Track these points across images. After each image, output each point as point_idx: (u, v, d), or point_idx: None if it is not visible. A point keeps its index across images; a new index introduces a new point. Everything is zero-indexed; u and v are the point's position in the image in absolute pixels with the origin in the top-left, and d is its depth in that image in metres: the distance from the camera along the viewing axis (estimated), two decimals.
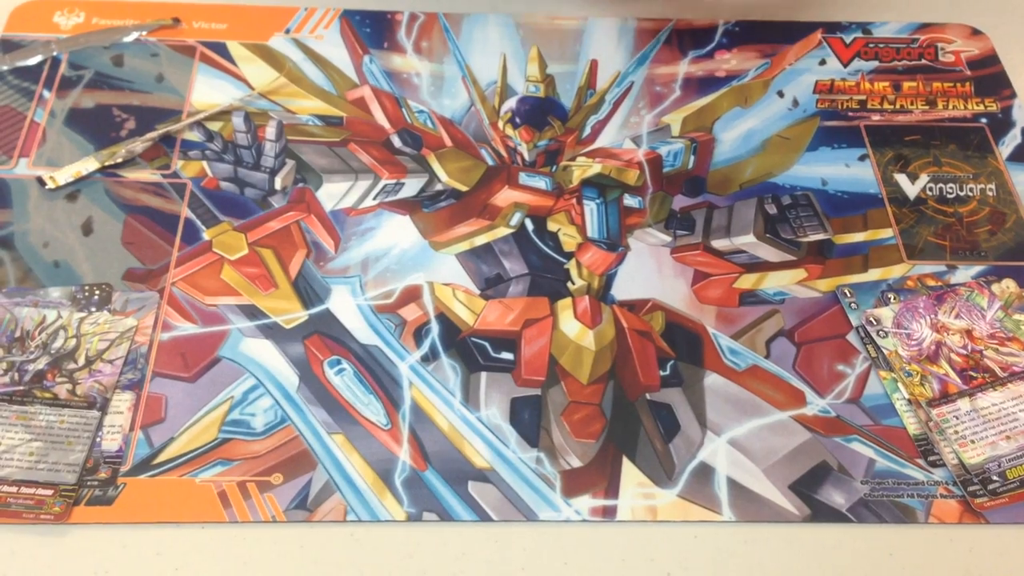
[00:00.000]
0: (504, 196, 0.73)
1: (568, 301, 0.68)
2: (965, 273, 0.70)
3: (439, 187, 0.73)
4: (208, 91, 0.78)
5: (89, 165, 0.72)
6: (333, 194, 0.72)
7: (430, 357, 0.65)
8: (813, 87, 0.81)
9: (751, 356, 0.66)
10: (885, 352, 0.65)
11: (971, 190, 0.75)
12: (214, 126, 0.75)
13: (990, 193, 0.75)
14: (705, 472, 0.60)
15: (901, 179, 0.76)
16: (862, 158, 0.77)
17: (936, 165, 0.77)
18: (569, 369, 0.64)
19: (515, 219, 0.72)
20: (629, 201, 0.73)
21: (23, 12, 0.82)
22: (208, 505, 0.58)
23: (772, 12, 0.87)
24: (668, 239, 0.72)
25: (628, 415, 0.63)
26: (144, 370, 0.63)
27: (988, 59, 0.84)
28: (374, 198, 0.73)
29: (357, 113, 0.78)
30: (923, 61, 0.84)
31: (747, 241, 0.71)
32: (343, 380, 0.63)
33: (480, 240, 0.71)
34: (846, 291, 0.69)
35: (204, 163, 0.73)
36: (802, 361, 0.66)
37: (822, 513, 0.59)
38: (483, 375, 0.64)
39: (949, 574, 0.57)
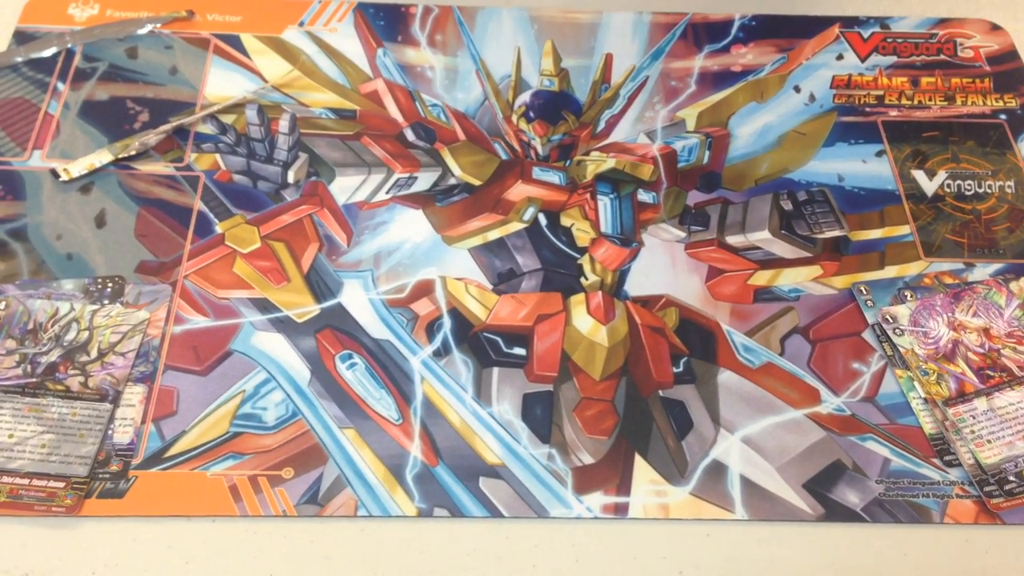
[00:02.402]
0: (517, 191, 0.73)
1: (581, 297, 0.67)
2: (983, 271, 0.69)
3: (452, 181, 0.73)
4: (222, 84, 0.78)
5: (103, 157, 0.72)
6: (346, 188, 0.72)
7: (442, 352, 0.65)
8: (830, 82, 0.81)
9: (765, 353, 0.65)
10: (901, 350, 0.65)
11: (990, 187, 0.74)
12: (227, 119, 0.75)
13: (1009, 190, 0.74)
14: (718, 470, 0.60)
15: (919, 175, 0.75)
16: (879, 154, 0.76)
17: (954, 162, 0.76)
18: (582, 365, 0.64)
19: (528, 214, 0.72)
20: (643, 196, 0.73)
21: (38, 4, 0.82)
22: (219, 499, 0.58)
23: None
24: (682, 235, 0.71)
25: (641, 412, 0.62)
26: (156, 363, 0.63)
27: (1007, 55, 0.83)
28: (387, 192, 0.72)
29: (370, 106, 0.77)
30: (942, 56, 0.83)
31: (762, 237, 0.71)
32: (355, 374, 0.63)
33: (493, 235, 0.71)
34: (862, 288, 0.68)
35: (217, 156, 0.73)
36: (817, 359, 0.65)
37: (836, 512, 0.59)
38: (495, 370, 0.64)
39: (964, 575, 0.57)
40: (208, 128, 0.74)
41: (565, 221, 0.72)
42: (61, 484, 0.57)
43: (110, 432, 0.60)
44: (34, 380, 0.61)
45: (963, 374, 0.63)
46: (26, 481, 0.57)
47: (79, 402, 0.60)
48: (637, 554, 0.57)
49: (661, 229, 0.72)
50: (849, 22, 0.85)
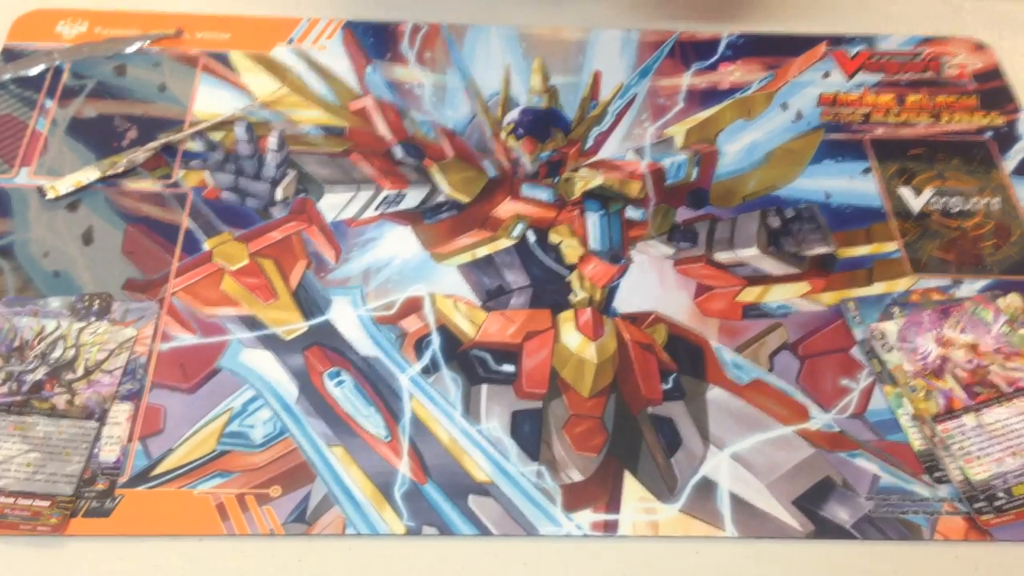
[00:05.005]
0: (506, 207, 0.73)
1: (570, 313, 0.67)
2: (970, 287, 0.70)
3: (441, 198, 0.73)
4: (210, 101, 0.78)
5: (90, 175, 0.72)
6: (334, 205, 0.72)
7: (431, 369, 0.64)
8: (817, 100, 0.81)
9: (754, 370, 0.65)
10: (890, 367, 0.65)
11: (976, 204, 0.75)
12: (216, 136, 0.75)
13: (995, 207, 0.75)
14: (707, 487, 0.60)
15: (905, 193, 0.75)
16: (866, 171, 0.77)
17: (940, 179, 0.76)
18: (570, 382, 0.64)
19: (517, 231, 0.72)
20: (631, 213, 0.73)
21: (26, 21, 0.82)
22: (206, 517, 0.57)
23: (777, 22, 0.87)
24: (671, 251, 0.71)
25: (630, 429, 0.62)
26: (143, 381, 0.62)
27: (992, 73, 0.84)
28: (375, 209, 0.72)
29: (359, 123, 0.77)
30: (927, 74, 0.84)
31: (750, 254, 0.71)
32: (343, 392, 0.63)
33: (482, 252, 0.71)
34: (850, 305, 0.68)
35: (205, 173, 0.73)
36: (806, 375, 0.65)
37: (826, 529, 0.59)
38: (484, 387, 0.64)
39: None
40: (196, 145, 0.74)
41: (554, 238, 0.72)
42: (46, 503, 0.57)
43: (96, 450, 0.59)
44: (20, 398, 0.61)
45: (951, 390, 0.63)
46: (11, 500, 0.57)
47: (65, 420, 0.60)
48: (627, 572, 0.57)
49: (650, 246, 0.72)
50: (835, 40, 0.86)
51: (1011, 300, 0.68)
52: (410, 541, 0.58)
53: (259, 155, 0.73)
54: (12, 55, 0.80)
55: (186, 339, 0.65)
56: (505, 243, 0.71)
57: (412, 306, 0.67)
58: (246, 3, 0.85)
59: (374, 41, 0.83)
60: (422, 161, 0.75)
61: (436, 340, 0.66)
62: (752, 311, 0.68)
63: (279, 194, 0.72)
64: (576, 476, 0.60)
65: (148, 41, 0.81)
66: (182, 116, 0.77)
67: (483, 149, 0.77)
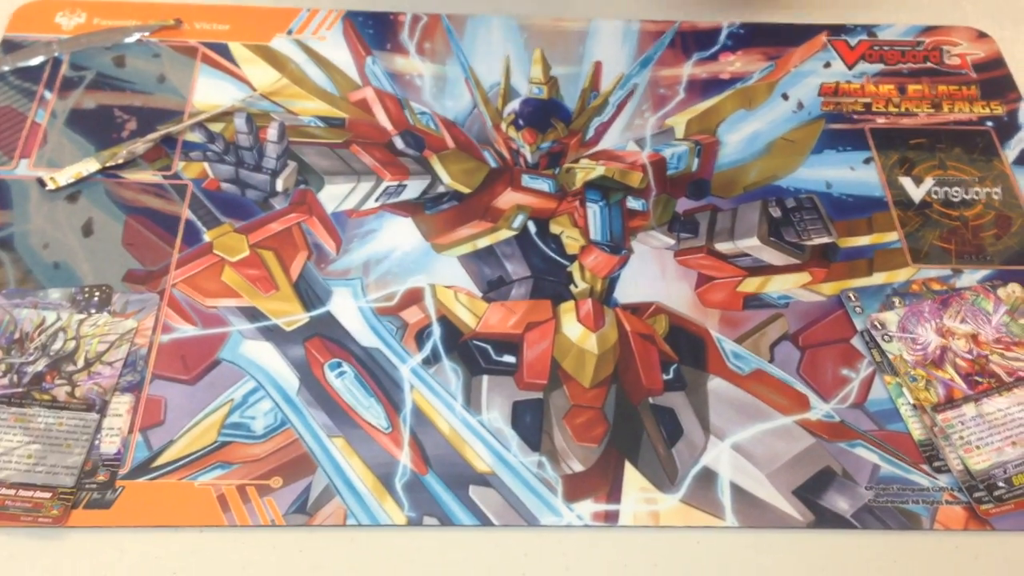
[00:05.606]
0: (507, 198, 0.73)
1: (571, 304, 0.67)
2: (971, 277, 0.70)
3: (441, 189, 0.73)
4: (210, 92, 0.78)
5: (90, 166, 0.72)
6: (335, 196, 0.72)
7: (431, 360, 0.64)
8: (818, 90, 0.81)
9: (755, 360, 0.65)
10: (890, 356, 0.65)
11: (976, 194, 0.75)
12: (216, 127, 0.75)
13: (996, 197, 0.75)
14: (708, 477, 0.60)
15: (906, 182, 0.75)
16: (867, 161, 0.76)
17: (941, 168, 0.76)
18: (571, 372, 0.64)
19: (517, 221, 0.72)
20: (632, 204, 0.73)
21: (25, 12, 0.82)
22: (207, 508, 0.57)
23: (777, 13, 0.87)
24: (671, 242, 0.71)
25: (631, 419, 0.62)
26: (143, 372, 0.62)
27: (994, 62, 0.84)
28: (376, 200, 0.72)
29: (359, 114, 0.77)
30: (928, 64, 0.83)
31: (751, 244, 0.71)
32: (344, 383, 0.63)
33: (482, 242, 0.71)
34: (851, 295, 0.68)
35: (205, 164, 0.73)
36: (806, 365, 0.65)
37: (826, 519, 0.59)
38: (485, 378, 0.64)
39: None
40: (196, 136, 0.74)
41: (554, 228, 0.72)
42: (47, 495, 0.57)
43: (97, 442, 0.59)
44: (20, 390, 0.61)
45: (951, 380, 0.63)
46: (12, 492, 0.57)
47: (66, 412, 0.60)
48: (627, 562, 0.57)
49: (650, 236, 0.72)
50: (836, 30, 0.85)
51: (1011, 290, 0.68)
52: (411, 532, 0.58)
53: (259, 146, 0.73)
54: (11, 46, 0.80)
55: (187, 331, 0.65)
56: (506, 234, 0.71)
57: (413, 297, 0.67)
58: None
59: (374, 32, 0.83)
60: (422, 152, 0.75)
61: (437, 331, 0.66)
62: (753, 301, 0.68)
63: (279, 185, 0.72)
64: (577, 466, 0.60)
65: (147, 32, 0.81)
66: (182, 107, 0.77)
67: (484, 140, 0.76)
